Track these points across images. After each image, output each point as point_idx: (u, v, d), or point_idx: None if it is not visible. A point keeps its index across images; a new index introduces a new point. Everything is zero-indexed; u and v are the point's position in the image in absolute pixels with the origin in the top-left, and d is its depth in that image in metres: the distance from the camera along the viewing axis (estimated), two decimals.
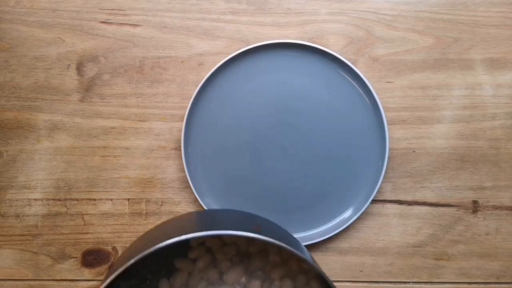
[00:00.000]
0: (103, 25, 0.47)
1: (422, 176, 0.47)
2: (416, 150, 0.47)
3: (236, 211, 0.42)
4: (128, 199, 0.47)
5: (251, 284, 0.38)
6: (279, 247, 0.36)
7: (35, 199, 0.47)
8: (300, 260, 0.38)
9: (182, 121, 0.45)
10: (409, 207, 0.47)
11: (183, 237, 0.30)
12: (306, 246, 0.45)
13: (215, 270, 0.38)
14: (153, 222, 0.47)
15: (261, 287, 0.38)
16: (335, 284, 0.42)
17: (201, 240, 0.39)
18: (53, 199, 0.47)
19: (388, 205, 0.47)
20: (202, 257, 0.38)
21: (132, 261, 0.30)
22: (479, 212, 0.47)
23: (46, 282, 0.47)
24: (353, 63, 0.45)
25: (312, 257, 0.33)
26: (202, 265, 0.38)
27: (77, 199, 0.47)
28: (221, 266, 0.38)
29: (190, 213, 0.44)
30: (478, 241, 0.47)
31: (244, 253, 0.39)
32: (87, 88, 0.47)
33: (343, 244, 0.47)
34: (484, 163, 0.47)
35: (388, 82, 0.46)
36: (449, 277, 0.47)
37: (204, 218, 0.38)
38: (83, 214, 0.47)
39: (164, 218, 0.47)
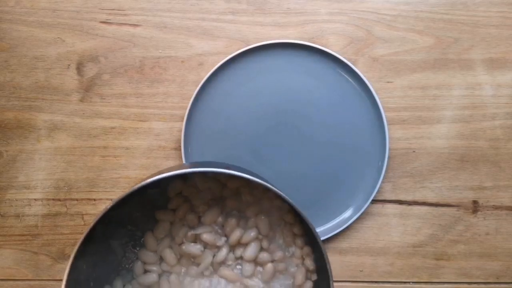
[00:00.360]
0: (103, 25, 0.47)
1: (422, 176, 0.47)
2: (416, 150, 0.47)
3: (218, 162, 0.44)
4: None
5: (227, 223, 0.40)
6: (251, 187, 0.39)
7: (35, 199, 0.47)
8: (272, 199, 0.40)
9: (182, 121, 0.45)
10: (409, 207, 0.47)
11: (157, 177, 0.33)
12: None
13: (194, 215, 0.40)
14: None
15: (237, 224, 0.40)
16: (335, 284, 0.42)
17: (178, 191, 0.41)
18: (53, 199, 0.47)
19: (388, 205, 0.47)
20: (180, 206, 0.41)
21: (111, 204, 0.33)
22: (479, 212, 0.47)
23: (46, 282, 0.47)
24: (353, 63, 0.45)
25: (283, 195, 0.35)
26: (181, 213, 0.41)
27: (77, 199, 0.47)
28: (199, 210, 0.41)
29: (177, 165, 0.45)
30: (478, 241, 0.47)
31: (219, 197, 0.41)
32: (87, 88, 0.47)
33: (343, 244, 0.47)
34: (484, 163, 0.47)
35: (388, 82, 0.46)
36: (449, 277, 0.47)
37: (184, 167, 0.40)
38: (83, 214, 0.47)
39: None
